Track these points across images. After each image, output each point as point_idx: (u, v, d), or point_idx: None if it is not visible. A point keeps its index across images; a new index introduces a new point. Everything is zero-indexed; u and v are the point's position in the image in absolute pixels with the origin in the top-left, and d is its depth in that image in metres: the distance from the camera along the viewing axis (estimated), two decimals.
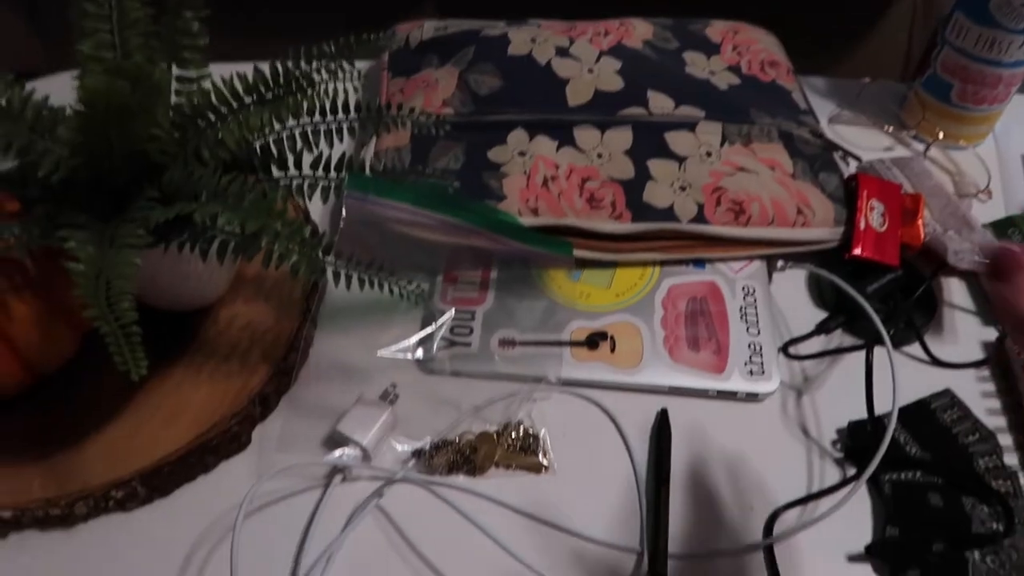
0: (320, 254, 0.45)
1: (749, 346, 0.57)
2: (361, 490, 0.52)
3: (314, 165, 0.52)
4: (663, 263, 0.63)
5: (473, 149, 0.64)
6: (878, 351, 0.55)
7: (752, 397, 0.56)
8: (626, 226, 0.61)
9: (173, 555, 0.50)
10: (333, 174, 0.51)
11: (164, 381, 0.55)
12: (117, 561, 0.50)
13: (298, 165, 0.53)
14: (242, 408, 0.53)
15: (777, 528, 0.50)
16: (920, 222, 0.62)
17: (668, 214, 0.62)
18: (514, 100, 0.67)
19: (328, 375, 0.58)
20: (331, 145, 0.52)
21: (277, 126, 0.51)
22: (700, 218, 0.62)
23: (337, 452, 0.52)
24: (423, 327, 0.59)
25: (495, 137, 0.65)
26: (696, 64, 0.73)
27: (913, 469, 0.52)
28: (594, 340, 0.57)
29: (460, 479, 0.53)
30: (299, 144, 0.53)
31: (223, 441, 0.53)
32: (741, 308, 0.60)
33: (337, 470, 0.52)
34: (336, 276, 0.48)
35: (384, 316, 0.61)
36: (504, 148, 0.64)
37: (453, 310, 0.59)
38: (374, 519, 0.51)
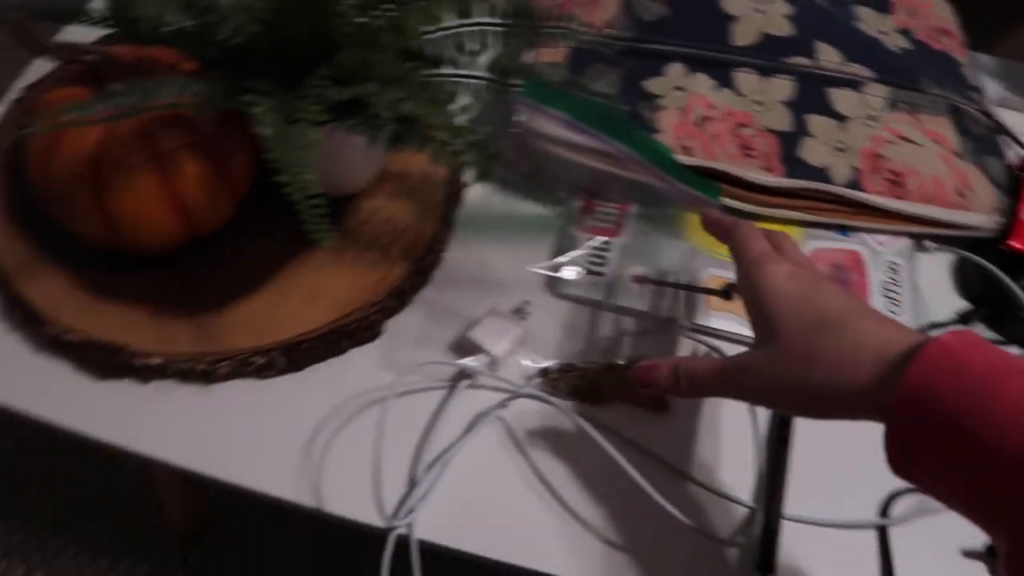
0: (493, 158, 0.46)
1: None
2: (485, 398, 0.54)
3: (489, 68, 0.51)
4: (807, 224, 0.61)
5: (629, 76, 0.63)
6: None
7: None
8: (777, 179, 0.60)
9: (300, 427, 0.52)
10: (507, 79, 0.51)
11: (307, 263, 0.56)
12: (248, 424, 0.52)
13: (467, 65, 0.52)
14: (380, 299, 0.55)
15: (895, 511, 0.50)
16: None
17: (821, 174, 0.60)
18: (678, 30, 0.65)
19: (461, 282, 0.59)
20: (491, 48, 0.51)
21: (454, 22, 0.51)
22: (854, 183, 0.60)
23: (467, 358, 0.53)
24: (556, 250, 0.60)
25: (653, 67, 0.64)
26: (867, 20, 0.69)
27: None
28: (729, 291, 0.57)
29: (580, 405, 0.54)
30: (465, 44, 0.52)
31: (360, 328, 0.54)
32: (883, 283, 0.59)
33: (464, 375, 0.54)
34: (500, 181, 0.48)
35: (517, 233, 0.61)
36: (661, 80, 0.63)
37: (594, 238, 0.59)
38: (494, 428, 0.53)
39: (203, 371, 0.52)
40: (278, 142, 0.43)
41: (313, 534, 1.00)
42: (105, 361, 0.52)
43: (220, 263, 0.56)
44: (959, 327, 0.58)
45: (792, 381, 0.39)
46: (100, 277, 0.55)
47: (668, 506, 0.47)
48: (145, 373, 0.53)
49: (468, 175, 0.46)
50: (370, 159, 0.57)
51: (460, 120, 0.44)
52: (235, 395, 0.53)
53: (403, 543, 0.48)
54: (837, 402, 0.38)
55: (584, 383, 0.54)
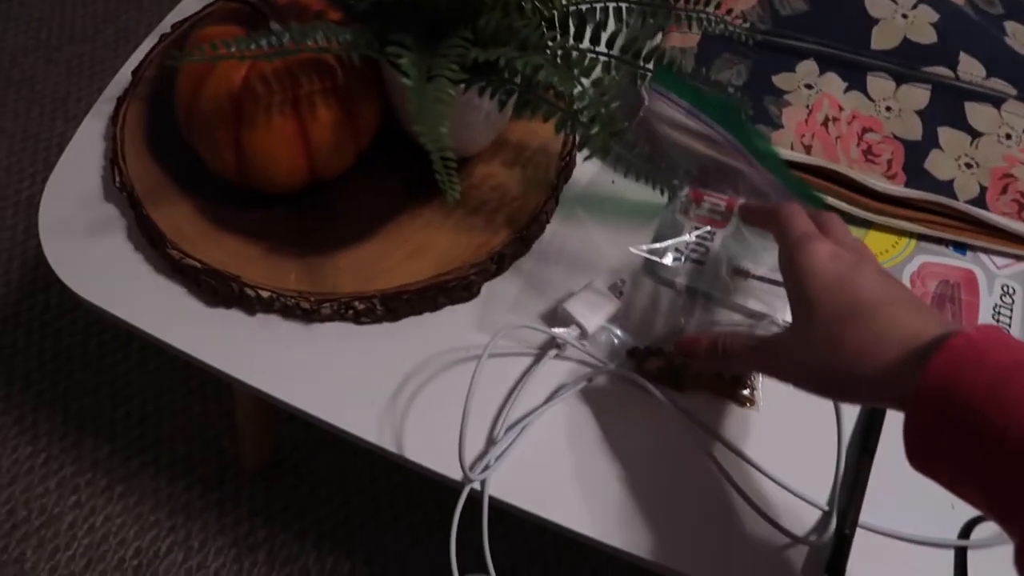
0: (613, 134, 0.46)
1: None
2: (571, 370, 0.54)
3: (623, 48, 0.51)
4: (921, 237, 0.59)
5: (759, 68, 0.62)
6: None
7: None
8: (899, 188, 0.58)
9: (390, 375, 0.54)
10: (640, 62, 0.51)
11: (415, 219, 0.58)
12: (342, 365, 0.54)
13: (603, 41, 0.52)
14: (481, 261, 0.56)
15: (976, 534, 0.48)
16: None
17: (946, 188, 0.58)
18: (815, 28, 0.64)
19: (560, 255, 0.59)
20: (627, 26, 0.51)
21: None
22: (979, 201, 0.57)
23: (559, 328, 0.54)
24: (659, 235, 0.59)
25: (785, 62, 0.63)
26: (1018, 36, 0.66)
27: None
28: None
29: (665, 389, 0.54)
30: (605, 20, 0.52)
31: (458, 286, 0.56)
32: (995, 307, 0.56)
33: (554, 344, 0.54)
34: (618, 160, 0.49)
35: (622, 215, 0.62)
36: (791, 76, 0.62)
37: (699, 227, 0.59)
38: (576, 399, 0.53)
39: (306, 309, 0.55)
40: (418, 94, 0.44)
41: (373, 482, 1.03)
42: (218, 289, 0.55)
43: (335, 209, 0.58)
44: None
45: (818, 364, 0.39)
46: (222, 209, 0.58)
47: (744, 495, 0.47)
48: (253, 304, 0.56)
49: (587, 149, 0.46)
50: (490, 124, 0.58)
51: (591, 94, 0.45)
52: (333, 336, 0.56)
53: (473, 498, 0.50)
54: (861, 388, 0.38)
55: (671, 368, 0.54)
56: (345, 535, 0.99)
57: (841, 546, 0.47)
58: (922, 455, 0.35)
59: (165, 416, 1.07)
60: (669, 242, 0.58)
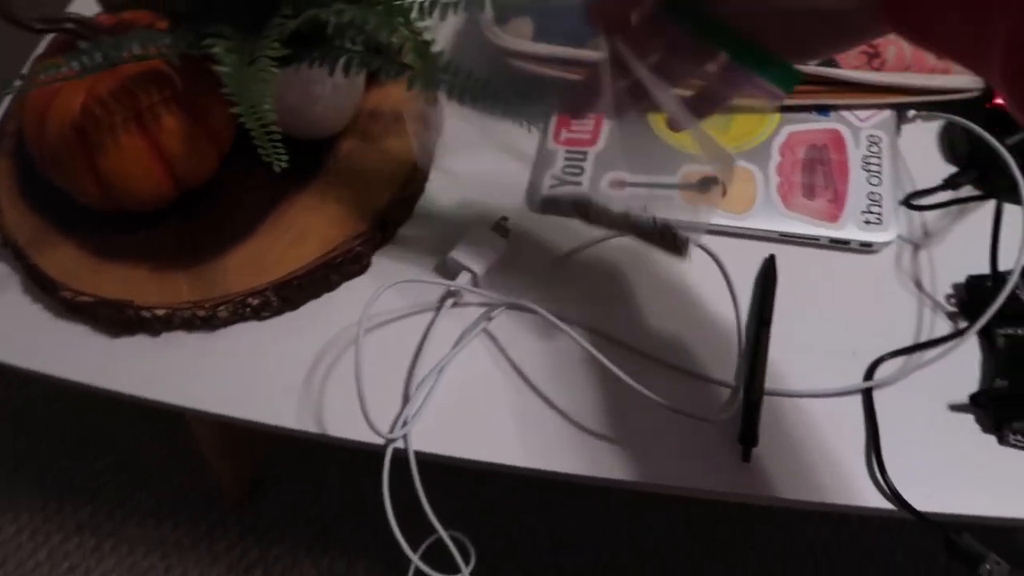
0: (437, 65, 0.46)
1: (868, 196, 0.56)
2: (471, 314, 0.55)
3: None
4: (784, 109, 0.61)
5: None
6: (1009, 207, 0.52)
7: (866, 247, 0.55)
8: None
9: (301, 362, 0.55)
10: None
11: (293, 205, 0.59)
12: (252, 363, 0.55)
13: None
14: (364, 231, 0.57)
15: (879, 375, 0.50)
16: None
17: None
18: None
19: (443, 208, 0.60)
20: None
21: None
22: (830, 61, 0.59)
23: (447, 280, 0.55)
24: (535, 166, 0.60)
25: None
26: None
27: None
28: (706, 183, 0.57)
29: (559, 308, 0.55)
30: None
31: (346, 260, 0.56)
32: (864, 158, 0.58)
33: (449, 294, 0.56)
34: (451, 91, 0.49)
35: (496, 156, 0.62)
36: None
37: (564, 150, 0.60)
38: (481, 341, 0.55)
39: (205, 317, 0.55)
40: (236, 78, 0.45)
41: (355, 477, 1.04)
42: (116, 318, 0.56)
43: (212, 213, 0.59)
44: (947, 193, 0.57)
45: None
46: (105, 240, 0.58)
47: (644, 391, 0.48)
48: (153, 325, 0.56)
49: (416, 84, 0.47)
50: (343, 97, 0.59)
51: (406, 31, 0.45)
52: (239, 338, 0.56)
53: (402, 458, 0.51)
54: None
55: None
56: (336, 534, 1.00)
57: (750, 415, 0.49)
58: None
59: (140, 461, 1.08)
60: (543, 171, 0.59)
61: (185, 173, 0.56)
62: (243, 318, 0.57)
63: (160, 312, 0.55)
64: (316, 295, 0.57)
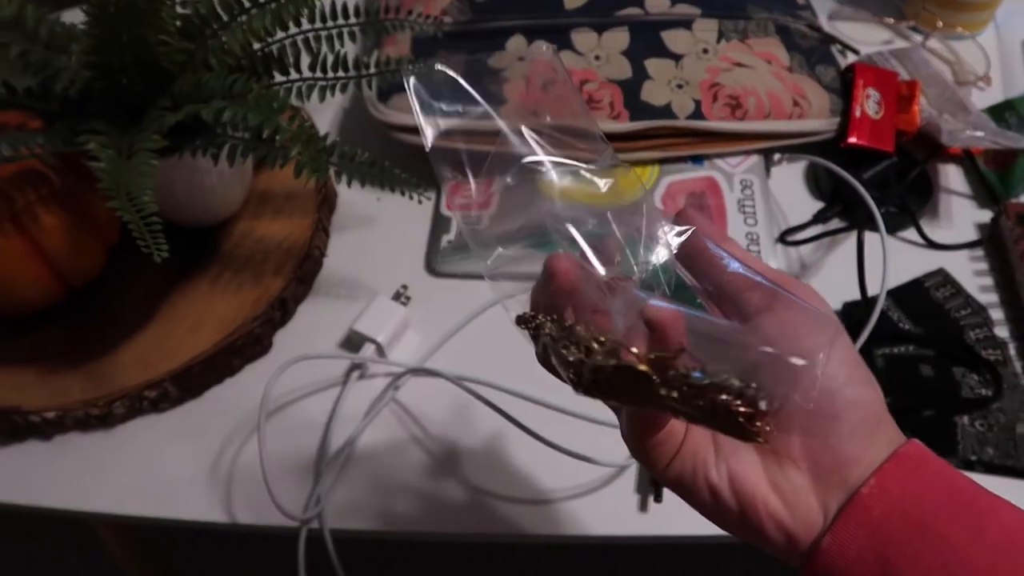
0: (325, 151, 0.47)
1: (747, 236, 0.59)
2: (378, 385, 0.55)
3: (319, 68, 0.53)
4: (662, 161, 0.64)
5: (474, 55, 0.65)
6: (871, 234, 0.56)
7: None
8: (624, 124, 0.62)
9: (206, 451, 0.54)
10: (331, 73, 0.53)
11: (188, 293, 0.58)
12: (155, 459, 0.53)
13: (298, 69, 0.54)
14: (262, 312, 0.56)
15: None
16: (916, 108, 0.63)
17: (666, 111, 0.63)
18: (511, 6, 0.68)
19: (343, 282, 0.61)
20: (332, 50, 0.53)
21: (279, 32, 0.53)
22: (697, 114, 0.63)
23: (351, 352, 0.55)
24: (432, 235, 0.62)
25: (494, 44, 0.66)
26: None
27: (906, 343, 0.54)
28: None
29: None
30: (300, 50, 0.54)
31: (247, 343, 0.56)
32: (739, 201, 0.61)
33: (355, 366, 0.55)
34: (339, 174, 0.50)
35: (393, 227, 0.63)
36: (504, 55, 0.65)
37: (460, 215, 0.61)
38: (391, 411, 0.54)
39: (99, 416, 0.53)
40: (112, 173, 0.45)
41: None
42: (3, 425, 0.53)
43: (103, 308, 0.57)
44: (817, 227, 0.61)
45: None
46: None
47: (557, 447, 0.49)
48: (44, 429, 0.54)
49: (305, 172, 0.48)
50: (233, 182, 0.59)
51: (283, 120, 0.46)
52: (137, 433, 0.55)
53: (318, 536, 0.50)
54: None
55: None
56: None
57: None
58: None
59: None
60: (442, 238, 0.60)
61: (70, 271, 0.54)
62: (141, 412, 0.55)
63: (50, 415, 0.53)
64: (219, 380, 0.56)
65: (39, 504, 0.53)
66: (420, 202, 0.58)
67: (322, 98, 0.51)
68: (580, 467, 0.51)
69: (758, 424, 0.29)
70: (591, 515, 0.50)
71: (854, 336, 0.54)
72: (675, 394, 0.29)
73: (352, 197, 0.65)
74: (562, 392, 0.53)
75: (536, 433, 0.50)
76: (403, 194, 0.55)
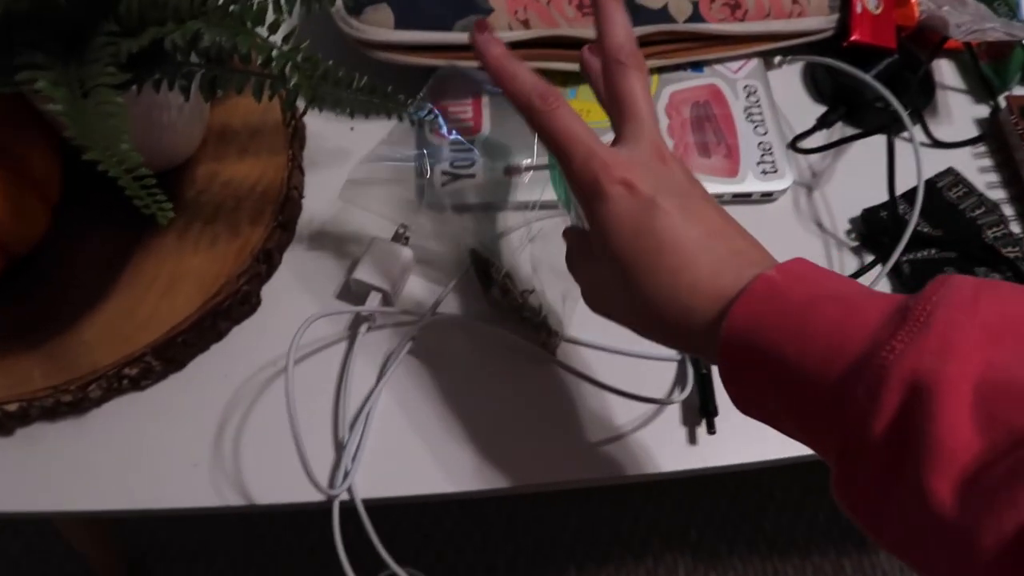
0: (324, 78, 0.41)
1: (759, 146, 0.56)
2: (391, 337, 0.50)
3: None
4: (660, 70, 0.60)
5: None
6: (878, 137, 0.55)
7: (767, 197, 0.56)
8: None
9: (200, 429, 0.47)
10: None
11: (153, 251, 0.50)
12: (140, 442, 0.47)
13: None
14: (246, 266, 0.49)
15: None
16: (913, 1, 0.60)
17: (663, 15, 0.58)
18: None
19: (330, 225, 0.54)
20: None
21: None
22: (696, 16, 0.58)
23: (355, 305, 0.50)
24: (422, 163, 0.55)
25: None
26: None
27: (928, 247, 0.53)
28: None
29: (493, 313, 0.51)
30: None
31: (233, 303, 0.49)
32: (746, 108, 0.58)
33: (361, 319, 0.50)
34: (339, 103, 0.43)
35: (373, 159, 0.57)
36: None
37: (448, 141, 0.56)
38: (409, 364, 0.50)
39: (71, 402, 0.46)
40: (76, 117, 0.36)
41: (248, 547, 0.96)
42: None
43: (54, 280, 0.49)
44: (822, 131, 0.58)
45: (636, 316, 0.37)
46: None
47: (598, 382, 0.46)
48: (4, 424, 0.46)
49: (300, 103, 0.41)
50: (192, 117, 0.51)
51: (275, 40, 0.39)
52: (118, 415, 0.48)
53: (349, 508, 0.45)
54: (680, 343, 0.37)
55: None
56: None
57: (705, 386, 0.48)
58: (743, 404, 0.34)
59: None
60: (432, 167, 0.54)
61: (10, 236, 0.45)
62: (120, 391, 0.48)
63: (12, 407, 0.45)
64: (205, 348, 0.50)
65: (6, 510, 0.45)
66: (412, 124, 0.52)
67: (309, 10, 0.44)
68: (622, 405, 0.48)
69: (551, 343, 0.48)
70: (640, 453, 0.47)
71: (878, 246, 0.52)
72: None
73: (321, 128, 0.58)
74: (597, 326, 0.50)
75: (574, 368, 0.46)
76: (389, 117, 0.48)
